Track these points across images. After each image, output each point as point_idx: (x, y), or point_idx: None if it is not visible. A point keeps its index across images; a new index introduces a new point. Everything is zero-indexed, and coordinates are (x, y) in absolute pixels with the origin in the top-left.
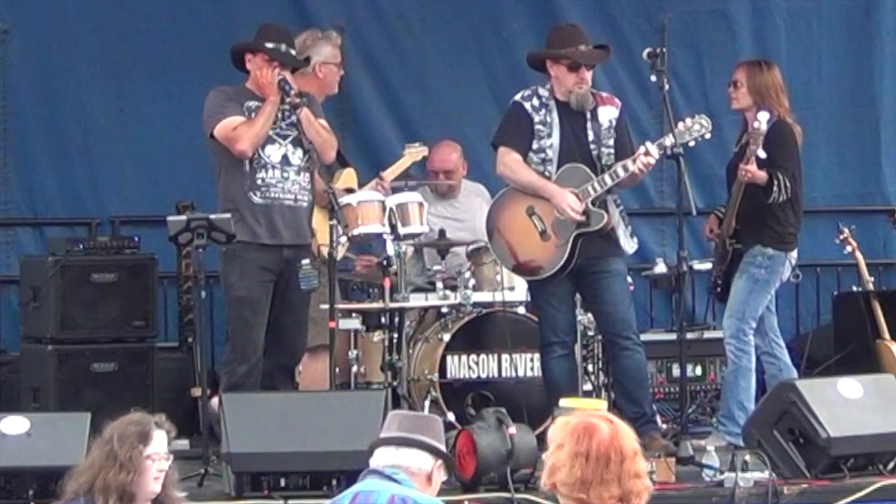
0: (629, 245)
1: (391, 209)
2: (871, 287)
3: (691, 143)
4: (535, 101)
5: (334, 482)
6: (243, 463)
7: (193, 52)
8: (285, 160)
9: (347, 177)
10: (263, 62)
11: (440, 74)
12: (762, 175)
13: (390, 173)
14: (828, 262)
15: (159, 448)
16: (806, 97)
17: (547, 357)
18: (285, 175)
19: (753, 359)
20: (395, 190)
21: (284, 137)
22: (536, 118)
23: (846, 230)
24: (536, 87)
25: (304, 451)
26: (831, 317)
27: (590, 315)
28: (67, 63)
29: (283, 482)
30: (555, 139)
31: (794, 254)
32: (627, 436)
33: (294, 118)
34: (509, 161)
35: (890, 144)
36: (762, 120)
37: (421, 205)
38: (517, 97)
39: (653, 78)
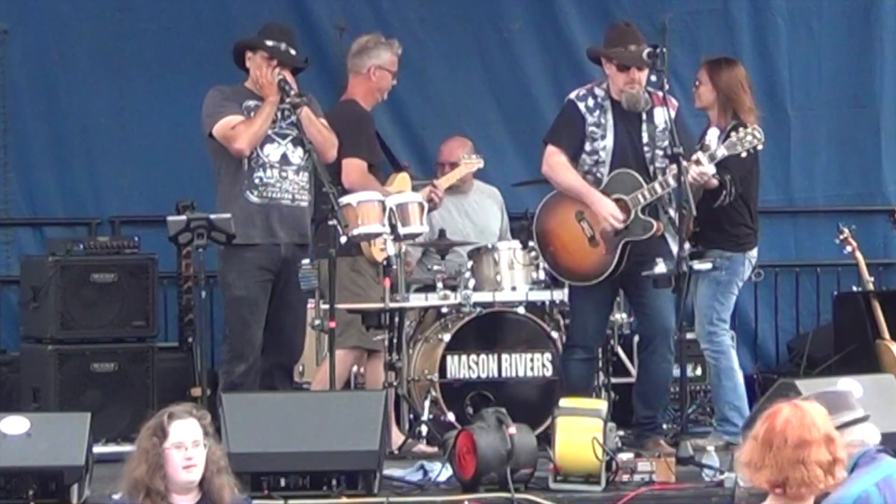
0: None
1: (391, 209)
2: (871, 287)
3: (743, 154)
4: (590, 102)
5: (334, 482)
6: (243, 463)
7: (193, 52)
8: (284, 159)
9: (401, 181)
10: (263, 60)
11: (440, 74)
12: (713, 182)
13: (445, 181)
14: (828, 262)
15: (182, 437)
16: (806, 97)
17: (568, 357)
18: (283, 174)
19: (733, 356)
20: (416, 188)
21: (284, 137)
22: (590, 119)
23: (846, 230)
24: (592, 87)
25: (304, 451)
26: (831, 317)
27: None
28: (67, 63)
29: (283, 482)
30: (608, 141)
31: (754, 252)
32: (803, 426)
33: (294, 118)
34: (554, 163)
35: (890, 144)
36: (712, 136)
37: (421, 205)
38: (572, 95)
39: (653, 78)
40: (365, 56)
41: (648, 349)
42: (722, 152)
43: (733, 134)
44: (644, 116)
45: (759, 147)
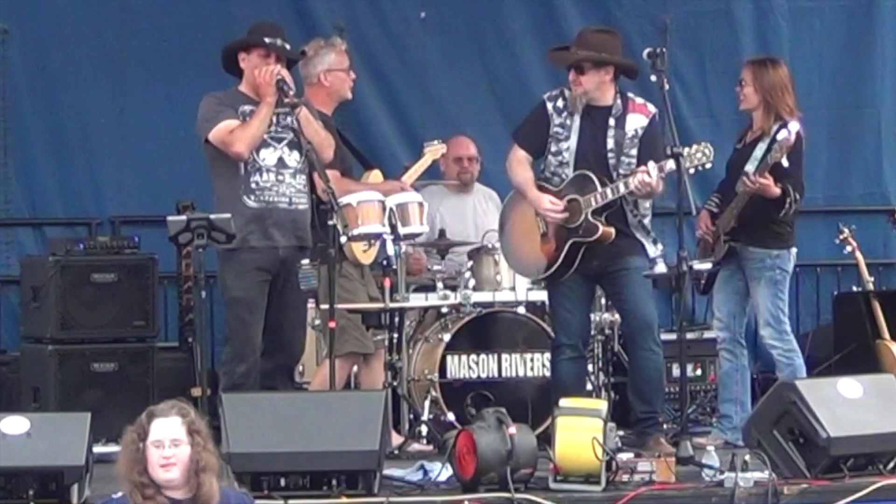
0: (652, 250)
1: (391, 209)
2: (871, 287)
3: (691, 171)
4: (560, 103)
5: (334, 482)
6: (243, 463)
7: (193, 53)
8: (281, 163)
9: (374, 178)
10: (259, 59)
11: (440, 74)
12: (775, 191)
13: (410, 176)
14: (828, 262)
15: (161, 435)
16: (807, 97)
17: (556, 358)
18: (280, 178)
19: (800, 352)
20: (418, 189)
21: (279, 140)
22: (557, 120)
23: (846, 230)
24: (563, 88)
25: (304, 451)
26: (831, 317)
27: (593, 316)
28: (67, 63)
29: (283, 482)
30: (572, 142)
31: (795, 249)
32: None
33: (290, 120)
34: (511, 158)
35: (890, 144)
36: (792, 131)
37: (421, 205)
38: (545, 95)
39: (652, 78)
40: (311, 65)
41: (634, 344)
42: (672, 166)
43: (686, 149)
44: (613, 122)
45: (708, 165)
